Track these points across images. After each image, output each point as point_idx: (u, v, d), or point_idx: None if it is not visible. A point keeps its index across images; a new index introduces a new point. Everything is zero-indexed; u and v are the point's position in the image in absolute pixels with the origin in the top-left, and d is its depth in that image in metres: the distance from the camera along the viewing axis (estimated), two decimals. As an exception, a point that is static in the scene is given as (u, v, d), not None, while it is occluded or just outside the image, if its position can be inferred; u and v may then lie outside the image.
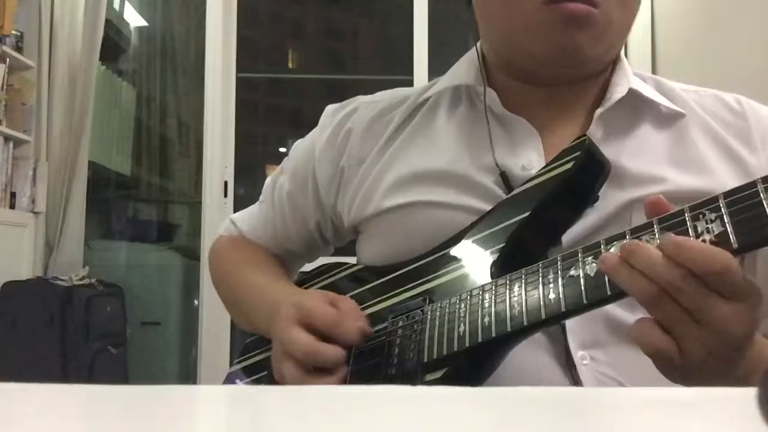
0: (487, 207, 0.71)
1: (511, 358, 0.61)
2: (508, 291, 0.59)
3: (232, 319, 0.95)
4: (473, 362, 0.60)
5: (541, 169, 0.68)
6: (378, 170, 0.79)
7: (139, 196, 3.83)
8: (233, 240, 0.96)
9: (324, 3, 4.03)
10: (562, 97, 0.76)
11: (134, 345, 2.94)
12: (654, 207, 0.54)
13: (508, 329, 0.57)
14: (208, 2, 3.04)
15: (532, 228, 0.66)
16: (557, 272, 0.56)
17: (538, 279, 0.57)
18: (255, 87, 3.67)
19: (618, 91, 0.74)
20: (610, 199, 0.68)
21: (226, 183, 3.03)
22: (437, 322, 0.63)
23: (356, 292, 0.76)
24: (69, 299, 2.50)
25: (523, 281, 0.58)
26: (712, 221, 0.50)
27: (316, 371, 0.63)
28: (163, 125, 3.68)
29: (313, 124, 0.91)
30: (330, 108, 0.90)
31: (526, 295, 0.57)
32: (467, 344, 0.59)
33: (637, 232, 0.54)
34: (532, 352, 0.64)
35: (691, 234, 0.50)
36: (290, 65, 4.10)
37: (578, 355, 0.65)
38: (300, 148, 0.91)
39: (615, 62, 0.78)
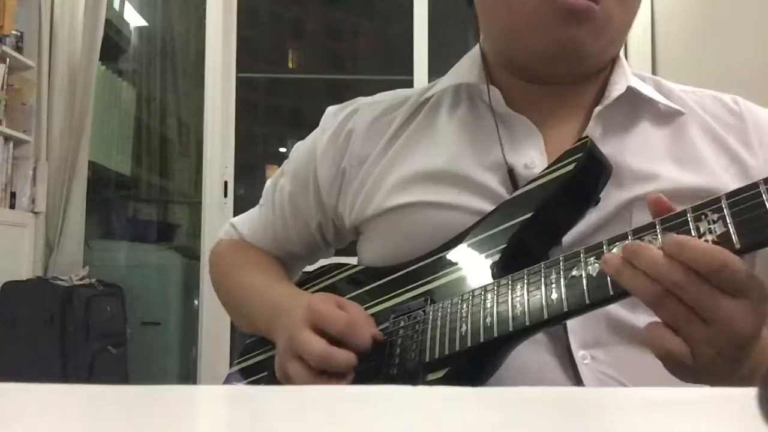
0: (489, 207, 0.71)
1: (513, 357, 0.61)
2: (510, 291, 0.59)
3: (232, 321, 0.95)
4: (475, 362, 0.60)
5: (543, 171, 0.68)
6: (379, 170, 0.79)
7: (139, 196, 3.83)
8: (233, 243, 0.96)
9: (324, 3, 4.03)
10: (562, 95, 0.76)
11: (134, 345, 2.94)
12: (656, 206, 0.54)
13: (510, 329, 0.57)
14: (208, 2, 3.04)
15: (533, 229, 0.66)
16: (559, 272, 0.56)
17: (540, 279, 0.57)
18: (255, 87, 3.67)
19: (617, 89, 0.74)
20: (610, 197, 0.68)
21: (226, 183, 3.03)
22: (439, 322, 0.63)
23: (358, 292, 0.76)
24: (69, 299, 2.50)
25: (525, 281, 0.58)
26: (714, 222, 0.50)
27: (325, 374, 0.63)
28: (163, 125, 3.68)
29: (314, 124, 0.91)
30: (331, 109, 0.90)
31: (528, 295, 0.57)
32: (469, 344, 0.59)
33: (639, 232, 0.54)
34: (533, 351, 0.64)
35: (693, 234, 0.50)
36: (290, 65, 4.10)
37: (579, 354, 0.65)
38: (301, 149, 0.91)
39: (614, 61, 0.78)
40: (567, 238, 0.67)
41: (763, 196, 0.48)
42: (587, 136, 0.67)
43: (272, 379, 0.71)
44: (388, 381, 0.63)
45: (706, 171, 0.71)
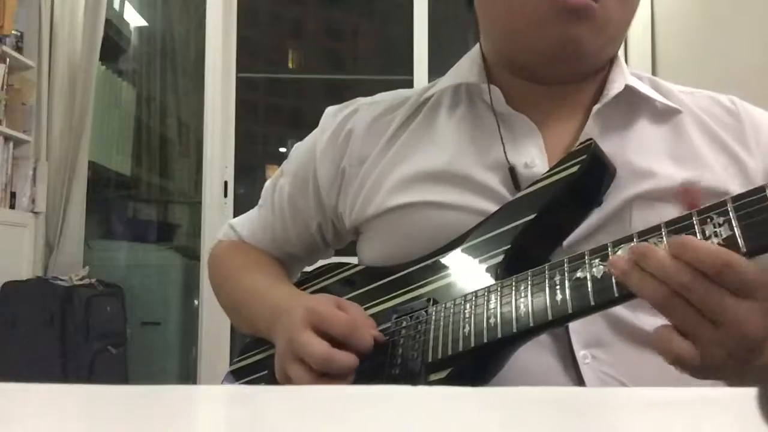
0: (490, 207, 0.71)
1: (515, 357, 0.61)
2: (514, 292, 0.59)
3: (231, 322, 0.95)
4: (478, 363, 0.60)
5: (547, 172, 0.68)
6: (380, 170, 0.79)
7: (139, 196, 3.83)
8: (232, 245, 0.96)
9: (324, 3, 4.03)
10: (562, 94, 0.76)
11: (134, 345, 2.94)
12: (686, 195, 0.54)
13: (514, 330, 0.57)
14: (208, 2, 3.04)
15: (537, 230, 0.66)
16: (564, 274, 0.56)
17: (545, 281, 0.57)
18: (255, 87, 3.67)
19: (615, 88, 0.74)
20: (609, 196, 0.68)
21: (226, 183, 3.03)
22: (442, 323, 0.63)
23: (358, 292, 0.76)
24: (69, 299, 2.50)
25: (529, 283, 0.58)
26: (720, 225, 0.50)
27: (326, 376, 0.63)
28: (163, 125, 3.68)
29: (314, 124, 0.91)
30: (330, 109, 0.90)
31: (532, 297, 0.57)
32: (472, 344, 0.59)
33: (644, 235, 0.54)
34: (535, 351, 0.64)
35: (699, 238, 0.50)
36: (290, 65, 4.10)
37: (580, 354, 0.65)
38: (300, 149, 0.91)
39: (612, 61, 0.78)
40: (568, 238, 0.67)
41: None
42: (591, 138, 0.67)
43: (271, 379, 0.70)
44: (390, 381, 0.63)
45: (704, 169, 0.71)
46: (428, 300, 0.67)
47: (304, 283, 0.86)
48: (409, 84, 2.91)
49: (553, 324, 0.56)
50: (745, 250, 0.48)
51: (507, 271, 0.63)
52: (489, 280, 0.64)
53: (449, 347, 0.61)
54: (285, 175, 0.92)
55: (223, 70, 3.05)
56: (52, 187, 2.78)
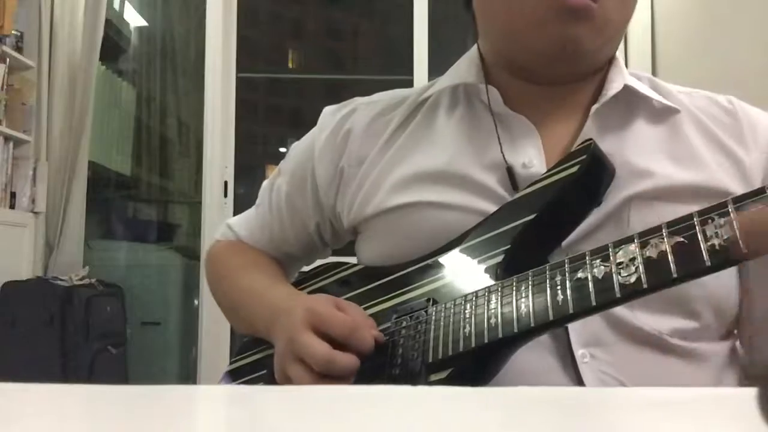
0: (489, 207, 0.71)
1: (514, 356, 0.61)
2: (514, 292, 0.59)
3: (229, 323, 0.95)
4: (479, 363, 0.60)
5: (546, 172, 0.68)
6: (378, 171, 0.79)
7: (139, 196, 3.83)
8: (230, 245, 0.96)
9: (324, 3, 4.03)
10: (560, 94, 0.77)
11: (134, 345, 2.94)
12: None
13: (515, 330, 0.57)
14: (208, 2, 3.04)
15: (536, 231, 0.66)
16: (564, 274, 0.56)
17: (546, 281, 0.57)
18: (255, 87, 3.67)
19: (613, 87, 0.74)
20: (607, 195, 0.69)
21: (226, 183, 3.04)
22: (442, 323, 0.63)
23: (357, 292, 0.76)
24: (69, 299, 2.50)
25: (530, 283, 0.58)
26: (721, 226, 0.50)
27: (327, 377, 0.63)
28: (163, 125, 3.69)
29: (313, 124, 0.91)
30: (328, 109, 0.90)
31: (533, 297, 0.57)
32: (473, 345, 0.59)
33: (645, 235, 0.54)
34: (534, 350, 0.64)
35: (700, 238, 0.50)
36: (290, 65, 4.10)
37: (579, 353, 0.65)
38: (298, 149, 0.91)
39: (611, 61, 0.78)
40: (566, 238, 0.67)
41: None
42: (591, 139, 0.67)
43: (270, 378, 0.70)
44: (390, 381, 0.63)
45: (702, 168, 0.71)
46: (428, 300, 0.67)
47: (302, 282, 0.86)
48: (409, 84, 2.91)
49: (554, 324, 0.56)
50: (746, 251, 0.48)
51: (506, 271, 0.63)
52: (489, 281, 0.64)
53: (450, 347, 0.61)
54: (282, 175, 0.91)
55: (223, 70, 3.05)
56: (52, 187, 2.78)
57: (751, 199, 0.50)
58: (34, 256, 2.75)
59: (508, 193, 0.71)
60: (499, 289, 0.60)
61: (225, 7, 3.06)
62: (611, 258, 0.54)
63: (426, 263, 0.72)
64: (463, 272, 0.68)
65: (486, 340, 0.59)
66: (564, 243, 0.67)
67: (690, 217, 0.52)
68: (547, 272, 0.58)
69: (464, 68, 0.81)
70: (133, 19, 3.70)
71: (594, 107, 0.73)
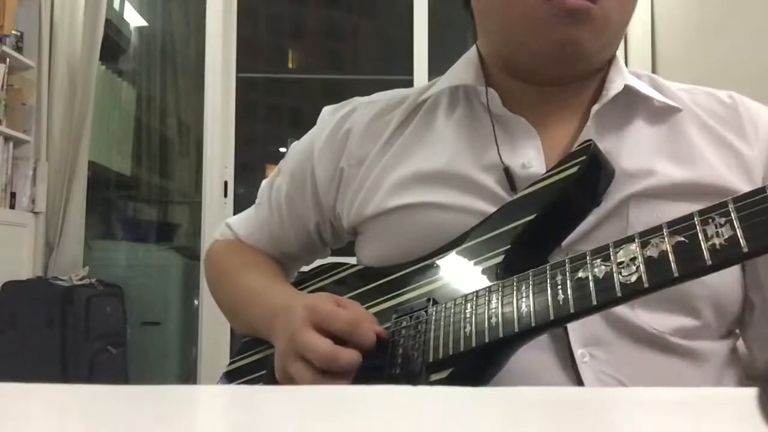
0: (488, 207, 0.71)
1: (514, 356, 0.61)
2: (515, 292, 0.59)
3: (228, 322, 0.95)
4: (479, 363, 0.60)
5: (546, 173, 0.68)
6: (378, 171, 0.79)
7: (139, 196, 3.83)
8: (229, 244, 0.96)
9: (324, 3, 4.03)
10: (560, 96, 0.76)
11: (134, 345, 2.94)
12: None
13: (516, 330, 0.57)
14: (208, 2, 3.04)
15: (536, 231, 0.66)
16: (565, 274, 0.56)
17: (546, 281, 0.57)
18: (255, 87, 3.67)
19: (614, 88, 0.74)
20: (606, 195, 0.69)
21: (226, 183, 3.04)
22: (442, 323, 0.63)
23: (358, 292, 0.76)
24: (69, 299, 2.50)
25: (530, 283, 0.58)
26: (721, 225, 0.50)
27: (328, 374, 0.63)
28: (163, 125, 3.69)
29: (313, 124, 0.91)
30: (327, 109, 0.90)
31: (534, 297, 0.57)
32: (474, 344, 0.59)
33: (645, 235, 0.54)
34: (533, 350, 0.64)
35: (701, 238, 0.50)
36: (290, 65, 4.10)
37: (579, 352, 0.65)
38: (298, 149, 0.91)
39: (611, 61, 0.78)
40: (566, 238, 0.67)
41: None
42: (590, 140, 0.67)
43: (270, 378, 0.70)
44: (391, 381, 0.63)
45: (703, 165, 0.71)
46: (428, 300, 0.67)
47: (301, 283, 0.86)
48: (409, 84, 2.91)
49: (555, 324, 0.57)
50: (746, 250, 0.49)
51: (507, 271, 0.64)
52: (489, 281, 0.64)
53: (450, 347, 0.61)
54: (282, 174, 0.91)
55: (223, 70, 3.05)
56: (52, 187, 2.78)
57: (752, 199, 0.50)
58: (34, 256, 2.75)
59: (507, 194, 0.71)
60: (500, 288, 0.61)
61: (225, 7, 3.06)
62: (612, 258, 0.54)
63: (426, 263, 0.72)
64: (464, 272, 0.68)
65: (487, 340, 0.59)
66: (564, 244, 0.67)
67: (691, 216, 0.52)
68: (548, 272, 0.58)
69: (463, 69, 0.81)
70: (133, 19, 3.70)
71: (594, 108, 0.73)
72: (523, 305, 0.57)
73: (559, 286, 0.56)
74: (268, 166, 3.76)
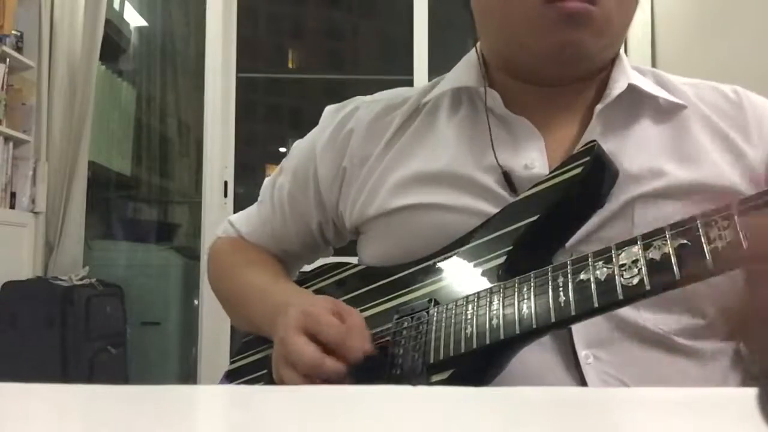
0: (491, 208, 0.71)
1: (517, 357, 0.61)
2: (516, 293, 0.59)
3: (230, 319, 0.95)
4: (480, 364, 0.60)
5: (550, 174, 0.68)
6: (380, 171, 0.79)
7: (139, 196, 3.83)
8: (232, 242, 0.96)
9: (324, 3, 4.03)
10: (562, 96, 0.76)
11: (134, 345, 2.94)
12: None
13: (517, 331, 0.57)
14: (208, 2, 3.04)
15: (539, 232, 0.66)
16: (567, 276, 0.56)
17: (548, 282, 0.57)
18: (255, 87, 3.67)
19: (617, 87, 0.74)
20: (611, 196, 0.68)
21: (226, 183, 3.04)
22: (444, 324, 0.63)
23: (359, 292, 0.76)
24: (69, 299, 2.50)
25: (532, 284, 0.58)
26: (724, 228, 0.50)
27: (315, 381, 0.62)
28: (163, 125, 3.68)
29: (313, 124, 0.91)
30: (330, 108, 0.90)
31: (535, 298, 0.57)
32: (475, 346, 0.59)
33: (648, 237, 0.53)
34: (536, 351, 0.64)
35: (703, 240, 0.50)
36: (290, 65, 4.10)
37: (582, 354, 0.65)
38: (300, 147, 0.91)
39: (614, 59, 0.78)
40: (569, 240, 0.67)
41: None
42: (594, 140, 0.67)
43: (271, 377, 0.70)
44: (392, 382, 0.63)
45: (708, 166, 0.71)
46: (429, 300, 0.67)
47: (303, 282, 0.86)
48: (409, 84, 2.91)
49: (557, 326, 0.56)
50: (750, 253, 0.48)
51: (509, 272, 0.63)
52: (490, 282, 0.64)
53: (451, 348, 0.61)
54: (284, 173, 0.91)
55: (223, 70, 3.05)
56: (52, 187, 2.78)
57: (755, 201, 0.50)
58: (34, 256, 2.75)
59: (509, 196, 0.71)
60: (501, 290, 0.60)
61: (225, 7, 3.06)
62: (614, 260, 0.54)
63: (428, 264, 0.72)
64: (465, 273, 0.68)
65: (488, 342, 0.58)
66: (568, 245, 0.67)
67: (693, 219, 0.52)
68: (550, 274, 0.58)
69: (464, 71, 0.81)
70: (133, 19, 3.70)
71: (597, 108, 0.73)
72: (525, 307, 0.57)
73: (561, 288, 0.56)
74: (268, 166, 3.76)
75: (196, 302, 3.11)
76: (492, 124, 0.76)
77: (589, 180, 0.65)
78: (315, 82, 3.82)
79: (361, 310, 0.70)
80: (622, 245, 0.55)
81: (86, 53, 2.81)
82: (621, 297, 0.52)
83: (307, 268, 0.92)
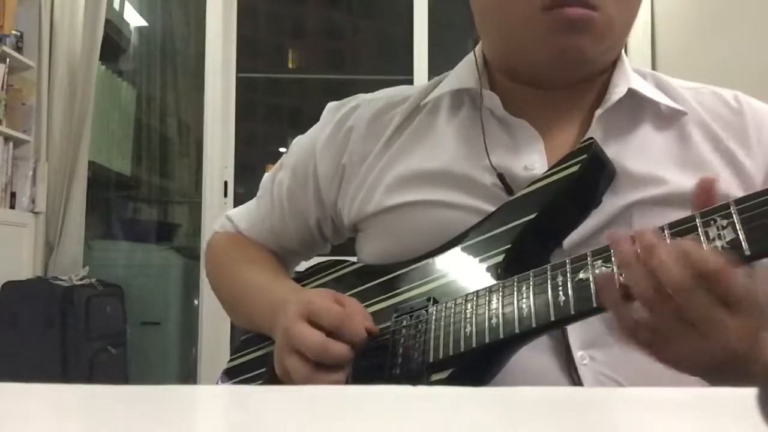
0: (489, 207, 0.71)
1: (513, 358, 0.61)
2: (515, 293, 0.59)
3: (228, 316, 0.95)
4: (479, 363, 0.60)
5: (547, 171, 0.68)
6: (379, 169, 0.79)
7: (139, 196, 3.83)
8: (230, 237, 0.96)
9: (324, 3, 4.03)
10: (563, 99, 0.76)
11: (134, 345, 2.94)
12: (702, 192, 0.54)
13: (517, 331, 0.57)
14: (208, 2, 3.04)
15: (537, 230, 0.66)
16: (566, 275, 0.56)
17: (547, 281, 0.57)
18: (255, 87, 3.67)
19: (617, 92, 0.73)
20: (611, 201, 0.68)
21: (226, 183, 3.04)
22: (443, 323, 0.63)
23: (358, 290, 0.76)
24: (69, 299, 2.50)
25: (531, 283, 0.58)
26: (723, 227, 0.50)
27: (323, 368, 0.63)
28: (163, 125, 3.68)
29: (313, 123, 0.91)
30: (331, 105, 0.90)
31: (534, 297, 0.57)
32: (474, 345, 0.59)
33: None
34: (532, 351, 0.64)
35: (702, 240, 0.50)
36: (290, 65, 4.10)
37: (578, 355, 0.65)
38: (300, 144, 0.91)
39: (615, 62, 0.77)
40: (569, 241, 0.67)
41: None
42: (592, 138, 0.67)
43: (270, 375, 0.71)
44: (391, 381, 0.63)
45: (707, 174, 0.70)
46: (428, 299, 0.67)
47: (301, 280, 0.86)
48: (409, 84, 2.91)
49: (556, 325, 0.57)
50: (748, 253, 0.48)
51: (507, 271, 0.63)
52: (489, 280, 0.64)
53: (450, 347, 0.61)
54: (284, 169, 0.91)
55: (223, 70, 3.05)
56: (52, 187, 2.78)
57: (754, 201, 0.50)
58: (34, 256, 2.75)
59: (507, 195, 0.71)
60: (500, 289, 0.60)
61: (225, 7, 3.06)
62: (613, 259, 0.54)
63: (426, 262, 0.72)
64: (464, 271, 0.68)
65: (487, 340, 0.59)
66: (567, 247, 0.67)
67: (692, 218, 0.52)
68: (549, 272, 0.58)
69: (464, 72, 0.81)
70: (133, 19, 3.70)
71: (597, 112, 0.73)
72: (524, 306, 0.57)
73: (560, 287, 0.56)
74: (268, 166, 3.75)
75: (196, 302, 3.11)
76: (491, 126, 0.76)
77: (587, 177, 0.65)
78: (315, 82, 3.82)
79: None
80: None
81: (86, 53, 2.81)
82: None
83: (305, 266, 0.92)
